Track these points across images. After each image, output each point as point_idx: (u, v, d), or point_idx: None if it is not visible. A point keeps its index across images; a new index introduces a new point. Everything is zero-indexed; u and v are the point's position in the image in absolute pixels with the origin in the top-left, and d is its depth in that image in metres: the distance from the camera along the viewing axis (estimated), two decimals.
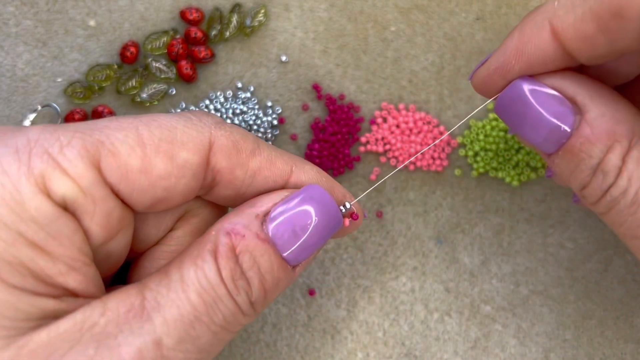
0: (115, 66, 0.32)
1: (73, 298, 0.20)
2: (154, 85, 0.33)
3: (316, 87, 0.33)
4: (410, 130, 0.33)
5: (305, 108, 0.33)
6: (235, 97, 0.33)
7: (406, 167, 0.33)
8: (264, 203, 0.23)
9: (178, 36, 0.33)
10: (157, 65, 0.33)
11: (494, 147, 0.33)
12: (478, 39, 0.34)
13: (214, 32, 0.33)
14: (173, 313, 0.20)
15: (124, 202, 0.22)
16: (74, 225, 0.20)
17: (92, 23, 0.33)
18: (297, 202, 0.23)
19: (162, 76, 0.33)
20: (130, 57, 0.32)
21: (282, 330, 0.32)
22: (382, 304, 0.32)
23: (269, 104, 0.33)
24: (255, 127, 0.32)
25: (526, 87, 0.22)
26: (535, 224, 0.33)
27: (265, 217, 0.22)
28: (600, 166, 0.21)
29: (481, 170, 0.33)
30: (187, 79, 0.33)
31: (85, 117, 0.32)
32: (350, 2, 0.34)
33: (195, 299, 0.20)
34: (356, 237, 0.33)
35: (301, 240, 0.22)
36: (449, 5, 0.34)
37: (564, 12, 0.21)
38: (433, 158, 0.33)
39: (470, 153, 0.33)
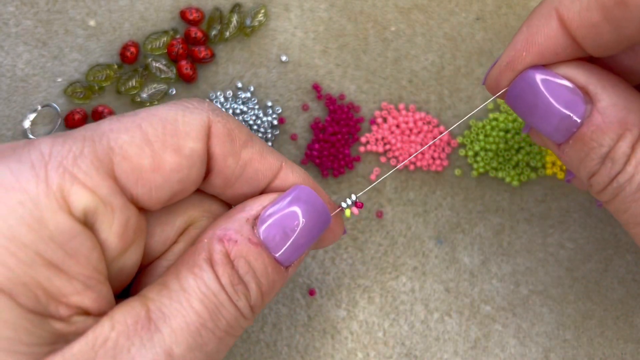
0: (115, 66, 0.32)
1: (84, 317, 0.20)
2: (154, 85, 0.33)
3: (316, 87, 0.33)
4: (410, 130, 0.33)
5: (305, 108, 0.33)
6: (235, 97, 0.33)
7: (406, 167, 0.33)
8: (253, 207, 0.23)
9: (178, 36, 0.33)
10: (157, 65, 0.33)
11: (494, 147, 0.33)
12: (478, 39, 0.34)
13: (214, 32, 0.33)
14: (179, 322, 0.20)
15: (141, 207, 0.22)
16: (92, 242, 0.20)
17: (92, 23, 0.33)
18: (286, 204, 0.23)
19: (162, 76, 0.33)
20: (130, 57, 0.32)
21: (282, 330, 0.32)
22: (382, 304, 0.32)
23: (269, 104, 0.33)
24: (255, 127, 0.32)
25: (537, 77, 0.22)
26: (535, 224, 0.33)
27: (255, 221, 0.23)
28: (609, 154, 0.21)
29: (481, 170, 0.33)
30: (187, 79, 0.33)
31: (85, 117, 0.32)
32: (350, 2, 0.34)
33: (199, 307, 0.21)
34: (356, 237, 0.33)
35: (292, 240, 0.23)
36: (449, 5, 0.34)
37: (569, 1, 0.21)
38: (433, 158, 0.33)
39: (470, 153, 0.33)
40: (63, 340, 0.20)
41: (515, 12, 0.34)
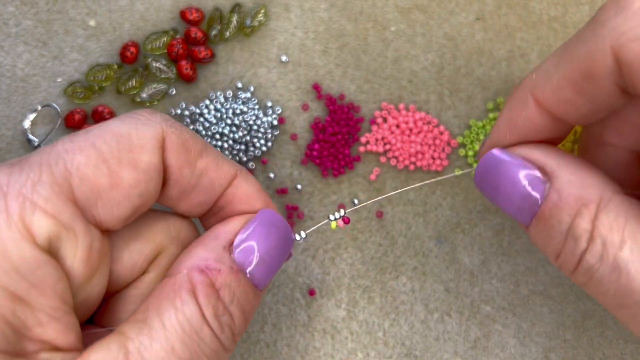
0: (115, 66, 0.32)
1: (53, 353, 0.20)
2: (154, 85, 0.33)
3: (316, 87, 0.33)
4: (410, 130, 0.33)
5: (305, 108, 0.33)
6: (235, 97, 0.33)
7: (406, 167, 0.33)
8: (227, 233, 0.23)
9: (178, 36, 0.33)
10: (157, 65, 0.32)
11: None
12: (478, 39, 0.34)
13: (214, 32, 0.33)
14: None
15: (104, 228, 0.22)
16: (57, 271, 0.20)
17: (92, 23, 0.33)
18: (255, 227, 0.23)
19: (162, 76, 0.33)
20: (130, 57, 0.32)
21: (282, 330, 0.32)
22: (382, 304, 0.32)
23: (269, 104, 0.33)
24: (255, 127, 0.32)
25: (498, 158, 0.23)
26: None
27: (230, 247, 0.23)
28: (570, 231, 0.21)
29: None
30: (187, 79, 0.33)
31: (85, 117, 0.32)
32: (350, 2, 0.34)
33: (180, 348, 0.20)
34: (356, 237, 0.33)
35: (266, 263, 0.23)
36: (449, 5, 0.34)
37: (542, 82, 0.21)
38: (433, 158, 0.33)
39: (470, 153, 0.33)
40: None
41: (515, 12, 0.34)
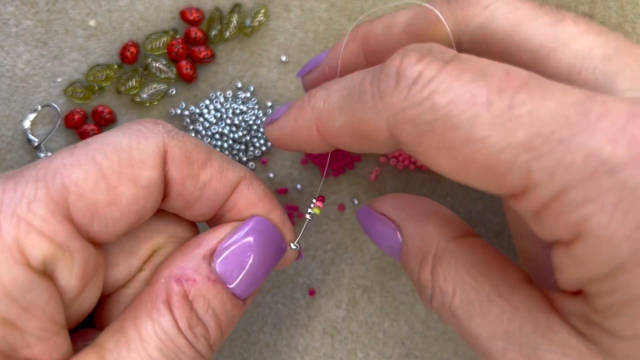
0: (115, 66, 0.32)
1: None
2: (154, 85, 0.33)
3: None
4: None
5: None
6: (235, 97, 0.33)
7: (406, 167, 0.33)
8: (210, 241, 0.23)
9: (178, 36, 0.33)
10: (157, 65, 0.33)
11: None
12: None
13: (214, 32, 0.33)
14: None
15: (98, 242, 0.21)
16: (49, 293, 0.20)
17: (92, 23, 0.33)
18: (242, 236, 0.23)
19: (162, 76, 0.33)
20: (130, 57, 0.32)
21: (282, 330, 0.32)
22: (382, 304, 0.32)
23: (269, 104, 0.33)
24: (255, 127, 0.32)
25: (364, 215, 0.26)
26: None
27: (212, 256, 0.22)
28: (419, 280, 0.23)
29: None
30: (187, 79, 0.33)
31: (85, 117, 0.32)
32: (351, 2, 0.34)
33: (157, 356, 0.20)
34: (356, 237, 0.33)
35: (249, 273, 0.23)
36: None
37: (326, 119, 0.21)
38: None
39: None
40: None
41: None
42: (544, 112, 0.16)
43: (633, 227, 0.15)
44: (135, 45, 0.32)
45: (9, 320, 0.19)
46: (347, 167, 0.33)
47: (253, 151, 0.32)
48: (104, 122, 0.32)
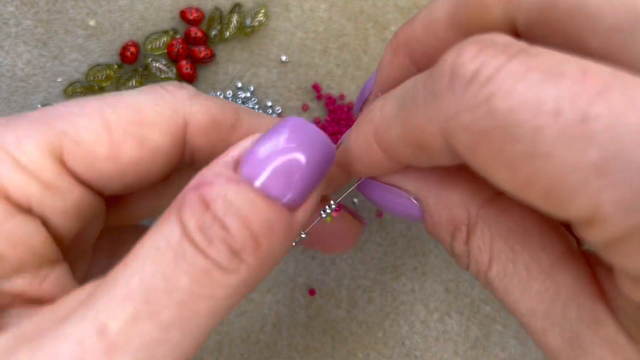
0: (115, 66, 0.32)
1: (22, 306, 0.19)
2: None
3: (316, 87, 0.33)
4: None
5: (305, 108, 0.33)
6: (235, 97, 0.33)
7: None
8: (237, 148, 0.19)
9: (178, 36, 0.33)
10: (157, 65, 0.33)
11: None
12: None
13: (214, 32, 0.33)
14: (120, 291, 0.16)
15: (97, 192, 0.21)
16: (35, 228, 0.19)
17: (92, 23, 0.33)
18: (273, 135, 0.19)
19: (162, 76, 0.33)
20: (130, 57, 0.32)
21: (282, 330, 0.32)
22: (382, 304, 0.32)
23: (269, 104, 0.33)
24: None
25: (369, 189, 0.23)
26: None
27: (238, 162, 0.18)
28: (453, 252, 0.21)
29: None
30: (187, 79, 0.33)
31: None
32: (350, 2, 0.34)
33: (149, 268, 0.16)
34: None
35: (286, 173, 0.18)
36: None
37: (383, 130, 0.19)
38: None
39: None
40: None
41: None
42: (623, 128, 0.13)
43: None
44: (135, 45, 0.32)
45: None
46: None
47: None
48: None
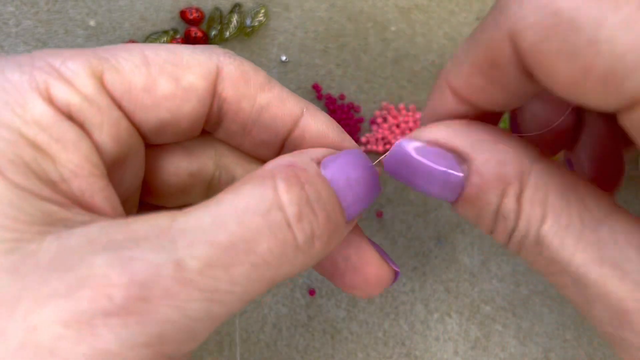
0: None
1: (84, 211, 0.19)
2: None
3: (316, 87, 0.33)
4: (410, 130, 0.33)
5: None
6: None
7: None
8: (313, 152, 0.21)
9: (178, 36, 0.33)
10: None
11: None
12: None
13: (214, 32, 0.33)
14: (204, 236, 0.17)
15: (129, 119, 0.22)
16: (80, 132, 0.20)
17: (92, 23, 0.33)
18: (344, 155, 0.21)
19: None
20: None
21: (282, 330, 0.32)
22: (382, 304, 0.32)
23: None
24: None
25: (408, 147, 0.22)
26: None
27: (319, 164, 0.21)
28: (499, 212, 0.21)
29: None
30: None
31: None
32: (350, 2, 0.34)
33: (234, 225, 0.17)
34: None
35: (354, 190, 0.20)
36: (449, 5, 0.34)
37: (455, 70, 0.21)
38: None
39: None
40: (62, 224, 0.18)
41: None
42: None
43: None
44: None
45: (39, 145, 0.19)
46: None
47: None
48: None
